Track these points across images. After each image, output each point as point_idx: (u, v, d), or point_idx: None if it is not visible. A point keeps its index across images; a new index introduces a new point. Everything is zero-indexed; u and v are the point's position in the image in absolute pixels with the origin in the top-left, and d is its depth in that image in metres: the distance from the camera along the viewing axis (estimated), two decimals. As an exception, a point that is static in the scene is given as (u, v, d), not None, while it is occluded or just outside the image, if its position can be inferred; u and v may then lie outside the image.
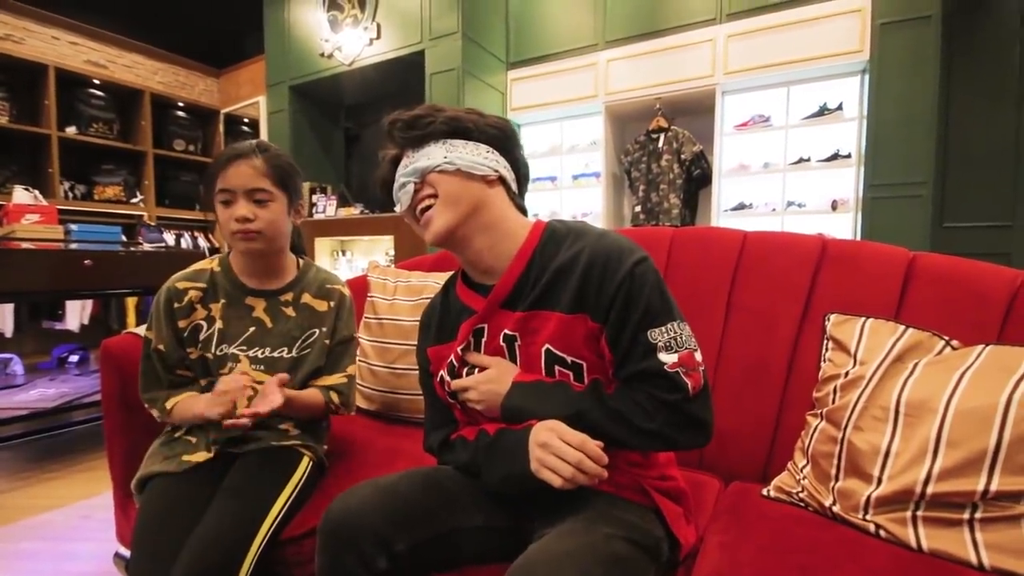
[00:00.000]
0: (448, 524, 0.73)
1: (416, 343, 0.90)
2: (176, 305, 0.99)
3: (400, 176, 0.77)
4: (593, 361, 0.72)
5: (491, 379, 0.74)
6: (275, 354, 1.02)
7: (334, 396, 1.04)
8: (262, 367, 1.01)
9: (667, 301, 0.70)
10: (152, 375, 0.99)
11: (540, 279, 0.73)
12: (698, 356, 0.69)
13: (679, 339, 0.68)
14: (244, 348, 1.01)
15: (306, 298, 1.06)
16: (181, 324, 0.99)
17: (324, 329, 1.06)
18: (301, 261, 1.11)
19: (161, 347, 0.98)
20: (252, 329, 1.01)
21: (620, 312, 0.69)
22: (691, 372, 0.68)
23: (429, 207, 0.75)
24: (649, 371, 0.68)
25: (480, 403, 0.75)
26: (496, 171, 0.76)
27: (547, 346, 0.73)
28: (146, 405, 0.99)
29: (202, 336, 1.00)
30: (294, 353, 1.03)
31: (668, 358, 0.67)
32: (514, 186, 0.81)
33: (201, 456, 0.94)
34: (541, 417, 0.69)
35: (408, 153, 0.77)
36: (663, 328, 0.68)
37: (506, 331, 0.75)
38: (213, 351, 0.99)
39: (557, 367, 0.73)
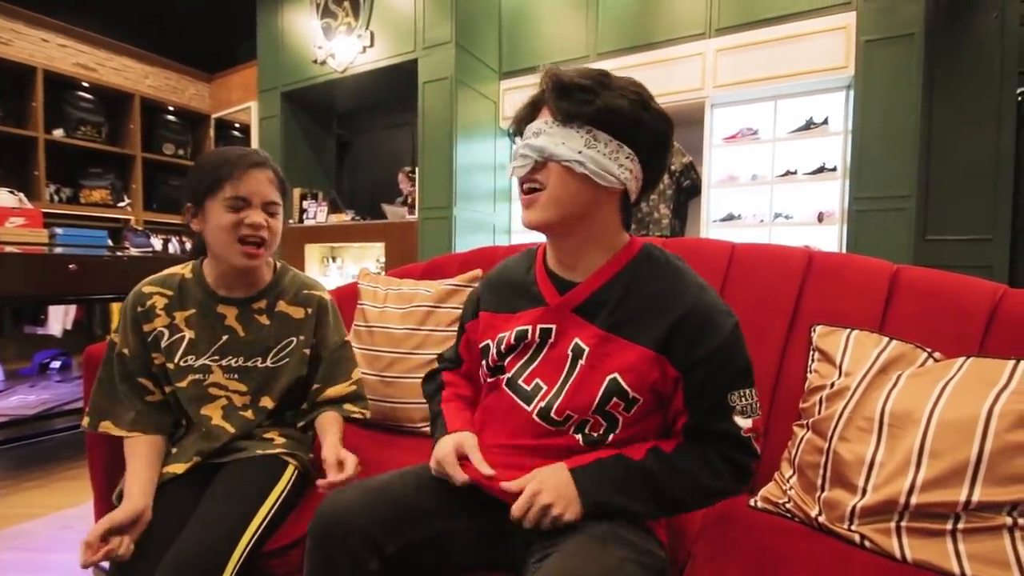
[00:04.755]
0: (440, 527, 0.72)
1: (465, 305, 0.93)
2: (139, 309, 0.96)
3: (525, 142, 0.71)
4: (651, 402, 0.71)
5: (546, 482, 0.67)
6: (249, 363, 0.99)
7: (349, 408, 1.04)
8: (236, 376, 0.98)
9: (750, 367, 0.71)
10: (108, 383, 0.95)
11: (625, 301, 0.72)
12: (761, 423, 0.74)
13: (753, 406, 0.70)
14: (216, 358, 0.98)
15: (281, 305, 1.03)
16: (145, 328, 0.96)
17: (302, 337, 1.03)
18: (278, 264, 1.08)
19: (126, 351, 0.95)
20: (224, 338, 0.98)
21: (712, 371, 0.68)
22: (759, 437, 0.71)
23: (536, 189, 0.72)
24: (727, 433, 0.69)
25: (563, 514, 0.66)
26: (623, 184, 0.71)
27: (615, 375, 0.70)
28: (86, 412, 0.95)
29: (163, 344, 0.96)
30: (269, 363, 1.00)
31: (744, 423, 0.69)
32: (634, 196, 0.75)
33: (180, 467, 0.92)
34: (628, 509, 0.68)
35: (547, 114, 0.72)
36: (742, 392, 0.69)
37: (579, 341, 0.73)
38: (176, 361, 0.96)
39: (615, 398, 0.70)
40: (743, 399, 0.69)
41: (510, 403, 0.77)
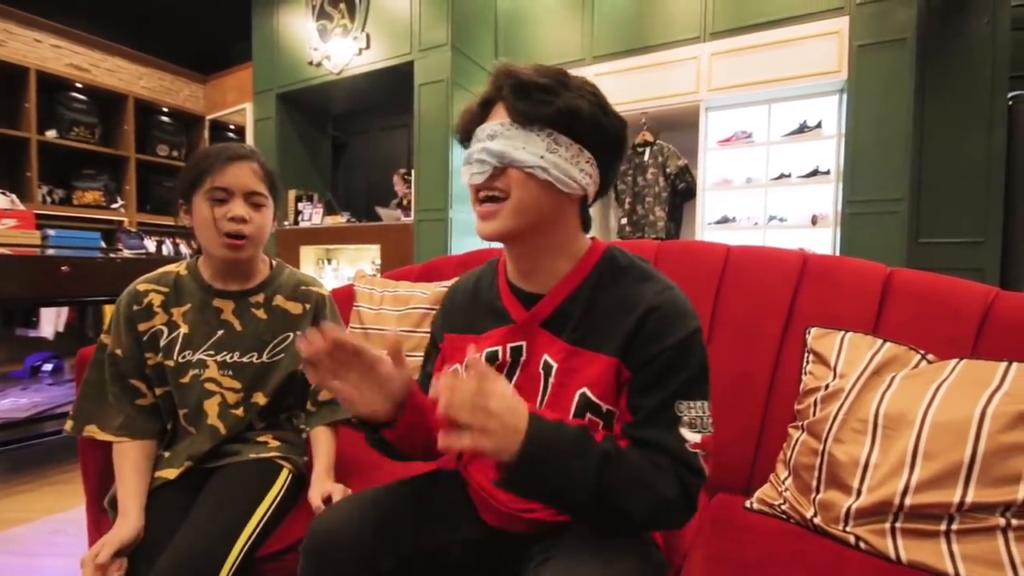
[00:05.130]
0: (435, 539, 0.72)
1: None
2: (135, 308, 0.95)
3: (483, 147, 0.65)
4: (624, 411, 0.67)
5: (513, 410, 0.57)
6: (244, 359, 0.98)
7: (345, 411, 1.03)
8: (230, 372, 0.98)
9: (705, 379, 0.66)
10: (96, 386, 0.95)
11: (590, 311, 0.68)
12: (712, 442, 0.64)
13: (704, 420, 0.64)
14: (211, 353, 0.97)
15: (278, 300, 1.03)
16: (141, 328, 0.95)
17: (299, 333, 1.02)
18: (274, 262, 1.08)
19: (119, 351, 0.94)
20: (220, 332, 0.98)
21: (660, 373, 0.63)
22: (708, 457, 0.63)
23: (495, 199, 0.66)
24: (668, 446, 0.61)
25: (492, 438, 0.55)
26: (585, 189, 0.67)
27: (584, 390, 0.67)
28: (70, 416, 0.94)
29: (162, 342, 0.96)
30: (264, 358, 1.00)
31: (692, 436, 0.62)
32: (592, 200, 0.72)
33: (172, 472, 0.91)
34: (566, 474, 0.57)
35: (502, 113, 0.66)
36: (693, 404, 0.63)
37: (547, 357, 0.70)
38: (175, 358, 0.95)
39: (588, 413, 0.67)
40: (693, 411, 0.63)
41: None
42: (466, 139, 0.70)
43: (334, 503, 0.79)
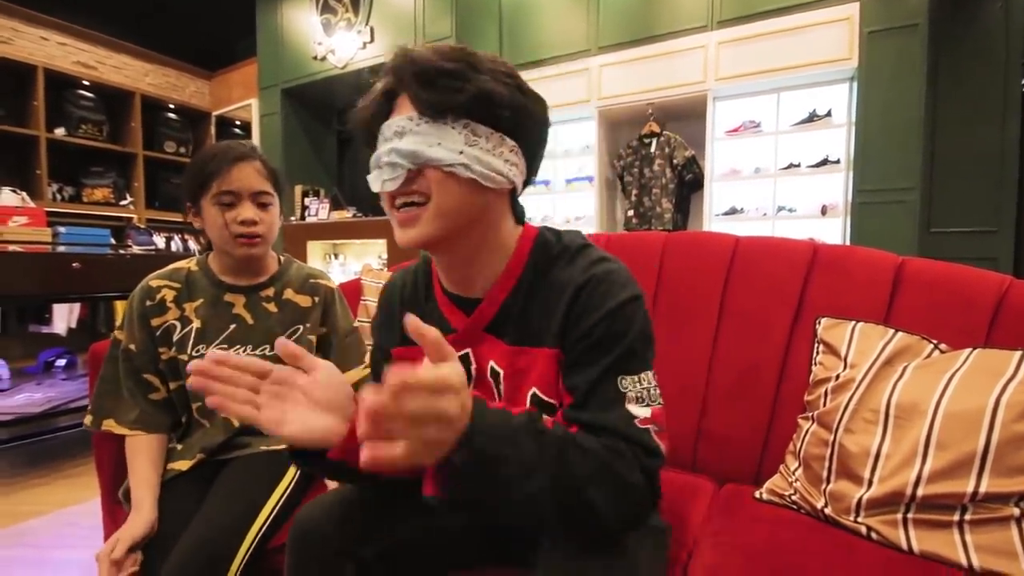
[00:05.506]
0: (421, 528, 0.70)
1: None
2: (148, 303, 0.97)
3: (392, 148, 0.57)
4: (563, 393, 0.62)
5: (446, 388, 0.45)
6: (257, 352, 1.00)
7: None
8: None
9: (647, 348, 0.60)
10: (111, 381, 0.96)
11: (527, 307, 0.63)
12: (664, 414, 0.58)
13: (652, 392, 0.58)
14: (225, 347, 0.98)
15: (288, 293, 1.04)
16: (154, 323, 0.96)
17: (308, 325, 1.04)
18: (282, 257, 1.09)
19: (132, 347, 0.96)
20: (232, 327, 0.99)
21: (592, 349, 0.58)
22: (661, 432, 0.57)
23: (415, 204, 0.59)
24: (616, 426, 0.55)
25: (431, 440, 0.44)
26: (512, 182, 0.61)
27: (534, 390, 0.63)
28: (89, 411, 0.95)
29: (176, 337, 0.97)
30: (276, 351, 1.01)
31: (640, 411, 0.56)
32: (520, 190, 0.67)
33: (185, 464, 0.93)
34: (516, 460, 0.49)
35: (409, 107, 0.58)
36: (636, 377, 0.58)
37: (493, 364, 0.65)
38: (188, 352, 0.97)
39: (544, 414, 0.61)
40: (639, 383, 0.57)
41: None
42: (370, 140, 0.61)
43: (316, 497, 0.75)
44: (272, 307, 1.03)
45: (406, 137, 0.57)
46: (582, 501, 0.51)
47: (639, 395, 0.57)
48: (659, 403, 0.58)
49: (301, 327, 1.03)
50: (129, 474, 0.91)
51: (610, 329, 0.58)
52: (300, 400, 0.55)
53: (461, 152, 0.56)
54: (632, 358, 0.58)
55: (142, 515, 0.84)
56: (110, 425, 0.94)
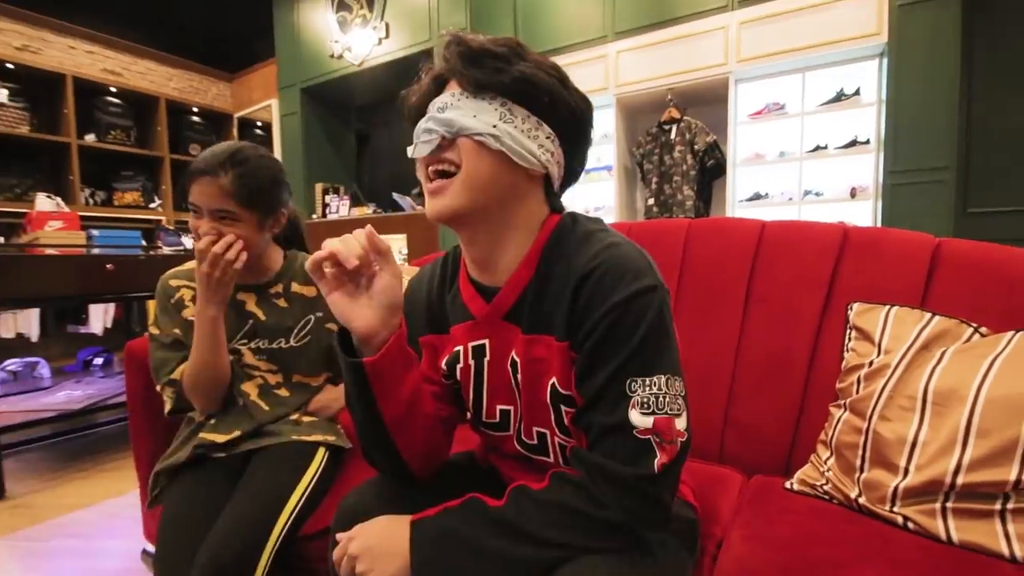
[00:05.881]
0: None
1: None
2: (171, 300, 1.01)
3: (431, 116, 0.60)
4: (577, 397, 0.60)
5: (365, 530, 0.59)
6: (274, 345, 1.04)
7: None
8: (265, 357, 1.04)
9: (662, 347, 0.55)
10: (163, 363, 0.99)
11: (541, 294, 0.62)
12: (679, 424, 0.54)
13: (661, 399, 0.53)
14: (244, 342, 1.03)
15: (295, 287, 1.07)
16: (183, 315, 1.01)
17: (319, 314, 1.07)
18: (288, 253, 1.11)
19: (177, 331, 1.00)
20: (249, 323, 1.03)
21: (599, 344, 0.55)
22: (664, 444, 0.53)
23: (446, 173, 0.60)
24: (611, 429, 0.54)
25: (361, 558, 0.57)
26: (545, 168, 0.61)
27: (553, 380, 0.61)
28: (165, 393, 0.99)
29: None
30: (293, 342, 1.05)
31: (640, 420, 0.53)
32: (557, 183, 0.66)
33: (220, 437, 0.96)
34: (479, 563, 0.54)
35: (455, 86, 0.61)
36: (646, 380, 0.54)
37: (513, 353, 0.64)
38: None
39: (563, 407, 0.61)
40: (647, 388, 0.53)
41: (495, 440, 0.72)
42: (418, 117, 0.63)
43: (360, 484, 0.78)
44: (282, 302, 1.06)
45: (447, 111, 0.59)
46: (556, 544, 0.53)
47: (645, 400, 0.53)
48: (668, 413, 0.53)
49: (312, 316, 1.06)
50: (196, 351, 0.94)
51: (618, 323, 0.54)
52: (366, 294, 0.60)
53: (494, 126, 0.58)
54: (643, 358, 0.54)
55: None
56: (180, 372, 0.97)
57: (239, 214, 0.94)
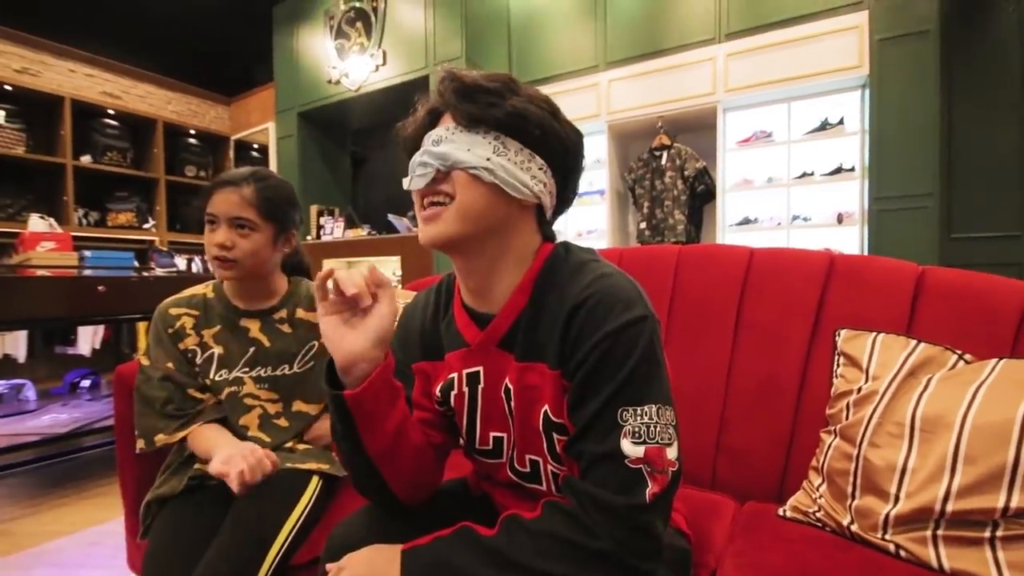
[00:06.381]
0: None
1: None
2: (170, 330, 1.01)
3: (425, 150, 0.62)
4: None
5: (353, 559, 0.59)
6: (277, 372, 1.03)
7: None
8: (267, 386, 1.03)
9: (653, 377, 0.56)
10: (150, 403, 0.97)
11: (534, 322, 0.63)
12: (671, 454, 0.55)
13: (652, 428, 0.54)
14: (247, 370, 1.02)
15: (300, 313, 1.07)
16: (181, 346, 1.00)
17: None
18: (292, 280, 1.12)
19: (170, 364, 0.98)
20: (252, 350, 1.03)
21: (590, 374, 0.56)
22: (655, 474, 0.53)
23: (440, 204, 0.61)
24: (602, 457, 0.54)
25: None
26: (537, 198, 0.63)
27: (545, 408, 0.61)
28: (137, 436, 0.97)
29: (198, 362, 1.01)
30: (296, 368, 1.05)
31: (632, 449, 0.53)
32: (550, 212, 0.67)
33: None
34: None
35: (449, 120, 0.63)
36: (637, 409, 0.54)
37: (507, 381, 0.65)
38: (211, 376, 1.00)
39: (556, 435, 0.62)
40: (638, 417, 0.54)
41: (488, 467, 0.72)
42: (413, 149, 0.65)
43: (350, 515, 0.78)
44: (286, 328, 1.05)
45: (442, 144, 0.61)
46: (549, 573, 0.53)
47: (636, 430, 0.54)
48: (659, 442, 0.54)
49: (316, 342, 1.06)
50: (203, 453, 0.94)
51: (609, 353, 0.55)
52: (358, 325, 0.60)
53: (488, 159, 0.59)
54: (634, 387, 0.55)
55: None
56: (162, 439, 0.96)
57: (257, 224, 0.97)
